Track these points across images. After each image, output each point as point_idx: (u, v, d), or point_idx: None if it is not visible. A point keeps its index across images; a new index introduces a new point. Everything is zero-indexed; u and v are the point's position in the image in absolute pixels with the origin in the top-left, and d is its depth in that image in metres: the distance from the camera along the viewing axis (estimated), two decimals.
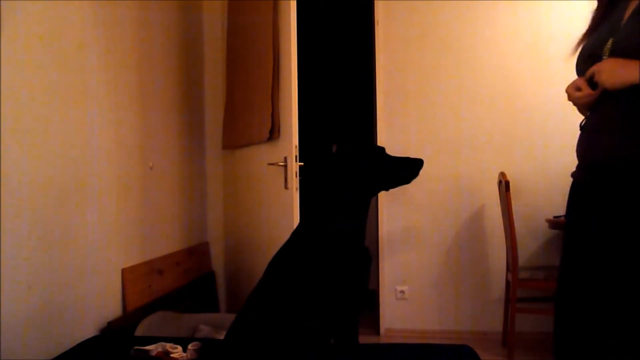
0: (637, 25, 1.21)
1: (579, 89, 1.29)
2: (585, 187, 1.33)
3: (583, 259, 1.32)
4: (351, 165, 1.39)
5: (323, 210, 1.38)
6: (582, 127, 1.36)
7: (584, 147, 1.33)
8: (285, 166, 2.43)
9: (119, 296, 2.20)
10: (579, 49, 1.38)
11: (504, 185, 2.85)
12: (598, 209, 1.28)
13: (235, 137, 2.99)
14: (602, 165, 1.25)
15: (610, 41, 1.24)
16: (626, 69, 1.17)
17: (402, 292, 3.34)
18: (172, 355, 1.66)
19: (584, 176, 1.34)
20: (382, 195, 3.33)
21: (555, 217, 3.03)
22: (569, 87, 1.34)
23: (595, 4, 1.41)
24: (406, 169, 1.41)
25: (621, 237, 1.23)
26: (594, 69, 1.24)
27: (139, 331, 2.10)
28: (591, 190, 1.30)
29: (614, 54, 1.22)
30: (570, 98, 1.35)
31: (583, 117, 1.39)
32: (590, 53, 1.31)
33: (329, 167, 1.40)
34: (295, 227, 2.34)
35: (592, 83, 1.26)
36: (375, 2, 3.37)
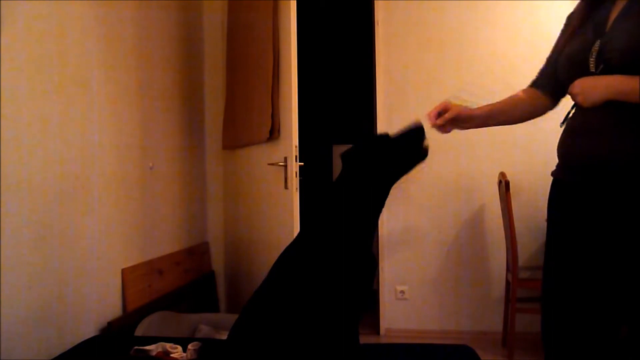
0: (624, 28, 1.19)
1: None
2: (575, 188, 1.31)
3: (573, 260, 1.30)
4: (352, 163, 1.38)
5: (327, 210, 1.37)
6: (565, 128, 1.36)
7: (573, 148, 1.31)
8: (285, 166, 2.43)
9: (119, 296, 2.20)
10: (562, 55, 1.36)
11: (504, 185, 2.85)
12: (589, 210, 1.27)
13: (235, 137, 2.99)
14: (594, 167, 1.24)
15: (597, 44, 1.23)
16: (596, 87, 1.20)
17: (402, 292, 3.34)
18: (172, 355, 1.66)
19: (571, 177, 1.33)
20: None
21: None
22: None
23: (572, 7, 1.41)
24: (406, 147, 1.39)
25: (617, 238, 1.23)
26: (571, 90, 1.26)
27: (139, 331, 2.10)
28: (582, 192, 1.29)
29: (601, 56, 1.21)
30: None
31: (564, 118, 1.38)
32: (575, 59, 1.29)
33: (344, 172, 1.39)
34: (295, 227, 2.36)
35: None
36: (375, 2, 3.37)
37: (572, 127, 1.33)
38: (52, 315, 1.77)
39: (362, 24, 3.98)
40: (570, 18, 1.45)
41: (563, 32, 1.47)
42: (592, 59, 1.23)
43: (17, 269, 1.61)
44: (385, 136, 1.42)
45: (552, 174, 1.41)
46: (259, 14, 2.69)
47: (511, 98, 1.54)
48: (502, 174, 2.92)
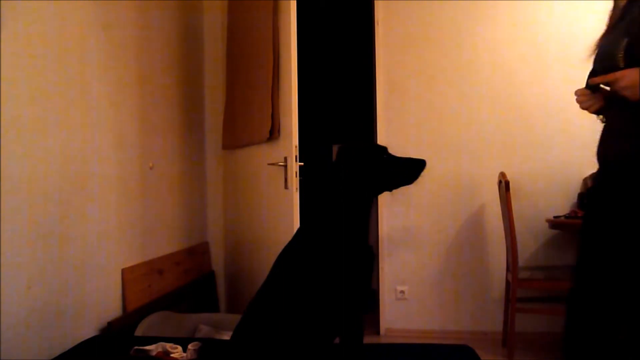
0: None
1: (582, 97, 1.28)
2: (600, 187, 1.32)
3: (604, 258, 1.30)
4: (354, 164, 1.39)
5: (328, 210, 1.37)
6: (605, 130, 1.35)
7: (615, 150, 1.31)
8: (285, 166, 2.43)
9: (119, 296, 2.20)
10: (597, 50, 1.37)
11: (504, 185, 2.85)
12: (613, 209, 1.27)
13: (235, 137, 2.99)
14: (615, 166, 1.24)
15: (625, 41, 1.23)
16: None
17: (402, 292, 3.34)
18: (172, 355, 1.66)
19: (599, 177, 1.34)
20: (382, 195, 3.33)
21: (555, 217, 3.03)
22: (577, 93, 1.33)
23: (611, 4, 1.40)
24: (408, 170, 1.41)
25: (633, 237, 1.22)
26: (616, 77, 1.21)
27: (139, 331, 2.10)
28: (606, 191, 1.29)
29: (627, 53, 1.22)
30: (579, 102, 1.34)
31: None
32: (605, 52, 1.30)
33: (332, 167, 1.40)
34: (295, 227, 2.36)
35: (593, 87, 1.25)
36: (375, 2, 3.37)
37: (614, 128, 1.30)
38: (52, 315, 1.77)
39: (362, 24, 3.98)
40: (614, 7, 1.42)
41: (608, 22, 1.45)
42: (620, 55, 1.23)
43: (17, 269, 1.61)
44: (385, 148, 1.41)
45: (593, 177, 1.41)
46: (259, 14, 2.69)
47: None
48: (502, 174, 2.92)
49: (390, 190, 1.45)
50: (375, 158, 1.38)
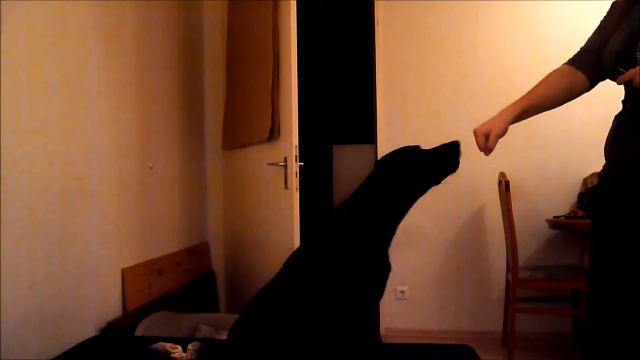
0: None
1: None
2: (613, 185, 1.31)
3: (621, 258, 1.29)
4: (397, 167, 1.37)
5: (345, 214, 1.35)
6: (618, 127, 1.34)
7: (611, 146, 1.31)
8: (285, 166, 2.43)
9: (119, 296, 2.20)
10: (607, 48, 1.34)
11: (504, 185, 2.85)
12: (630, 206, 1.26)
13: (235, 137, 2.99)
14: (632, 163, 1.23)
15: None
16: None
17: (402, 292, 3.34)
18: (172, 355, 1.66)
19: (609, 175, 1.33)
20: None
21: (555, 217, 3.03)
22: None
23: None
24: (447, 157, 1.39)
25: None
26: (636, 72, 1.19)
27: (139, 331, 2.10)
28: (620, 188, 1.28)
29: None
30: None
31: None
32: (621, 52, 1.28)
33: (375, 178, 1.37)
34: (295, 227, 2.35)
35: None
36: (375, 2, 3.37)
37: (630, 125, 1.29)
38: (52, 315, 1.77)
39: (362, 24, 3.98)
40: (615, 6, 1.40)
41: (607, 19, 1.42)
42: (639, 54, 1.22)
43: (17, 269, 1.61)
44: (416, 149, 1.41)
45: (599, 175, 1.40)
46: (259, 14, 2.69)
47: (545, 85, 1.48)
48: (502, 174, 2.92)
49: (437, 183, 1.42)
50: (413, 155, 1.36)
